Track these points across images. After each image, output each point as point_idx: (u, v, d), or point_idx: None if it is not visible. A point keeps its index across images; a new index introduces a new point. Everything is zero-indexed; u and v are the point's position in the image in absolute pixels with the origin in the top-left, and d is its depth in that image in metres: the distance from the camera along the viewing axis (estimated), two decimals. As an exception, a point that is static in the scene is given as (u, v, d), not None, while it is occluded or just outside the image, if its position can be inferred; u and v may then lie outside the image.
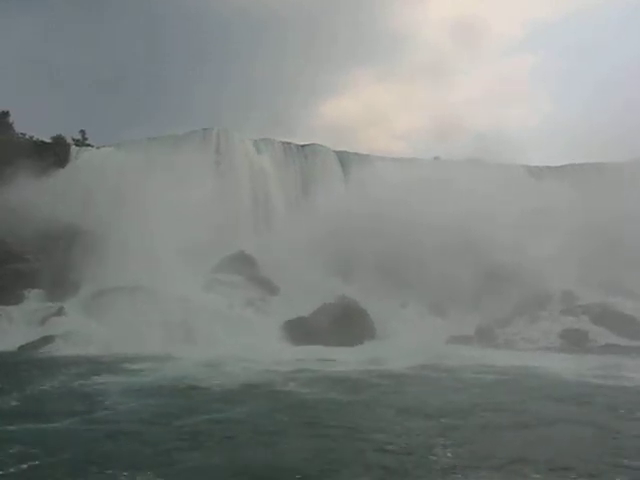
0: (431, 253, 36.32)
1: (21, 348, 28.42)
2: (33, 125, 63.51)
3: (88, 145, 47.45)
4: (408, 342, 30.11)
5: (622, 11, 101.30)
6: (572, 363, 23.90)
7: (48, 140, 44.70)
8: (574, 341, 31.47)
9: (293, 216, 43.42)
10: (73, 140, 47.24)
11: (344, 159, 46.91)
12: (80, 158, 43.52)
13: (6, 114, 47.11)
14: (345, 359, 24.84)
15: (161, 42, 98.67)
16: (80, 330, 29.86)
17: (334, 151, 47.11)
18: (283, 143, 46.23)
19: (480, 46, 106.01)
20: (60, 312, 32.29)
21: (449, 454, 11.74)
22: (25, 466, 11.05)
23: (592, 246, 39.65)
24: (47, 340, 29.01)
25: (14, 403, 16.28)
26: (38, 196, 36.79)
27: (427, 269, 35.77)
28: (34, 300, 34.37)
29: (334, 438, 13.08)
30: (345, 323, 31.66)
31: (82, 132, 49.46)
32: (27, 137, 45.58)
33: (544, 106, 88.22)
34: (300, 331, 31.02)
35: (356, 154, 47.86)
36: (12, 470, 10.87)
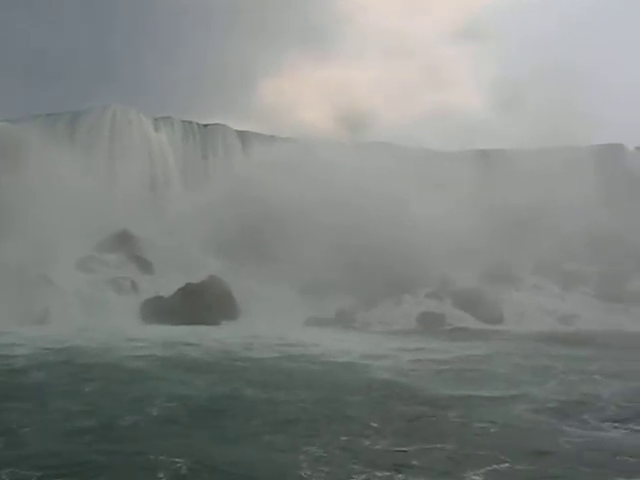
0: (306, 234, 36.71)
1: None
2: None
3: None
4: (265, 323, 30.35)
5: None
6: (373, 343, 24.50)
7: None
8: (429, 324, 31.97)
9: (188, 196, 43.52)
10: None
11: (246, 139, 46.87)
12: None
13: None
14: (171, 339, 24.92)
15: (108, 24, 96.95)
16: None
17: (236, 131, 47.05)
18: (184, 122, 46.12)
19: (423, 31, 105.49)
20: None
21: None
22: None
23: (484, 232, 40.38)
24: None
25: None
26: None
27: (300, 250, 36.13)
28: None
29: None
30: (206, 303, 31.86)
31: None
32: None
33: (479, 93, 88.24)
34: (158, 310, 31.19)
35: (259, 134, 47.83)
36: None
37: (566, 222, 42.29)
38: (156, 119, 45.49)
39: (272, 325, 29.51)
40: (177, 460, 9.55)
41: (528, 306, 35.13)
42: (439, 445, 10.89)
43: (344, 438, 11.16)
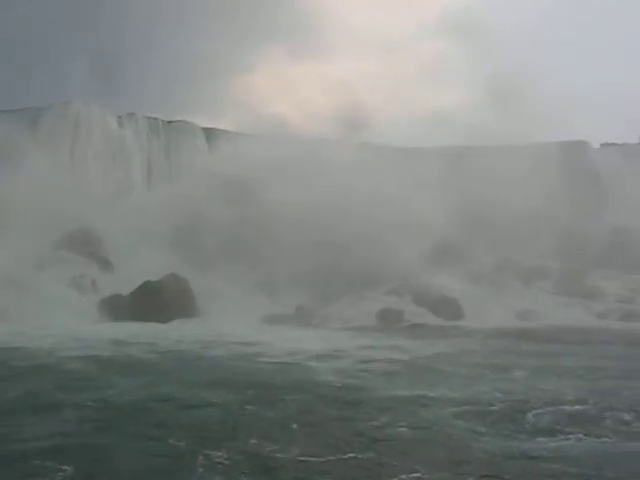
0: (270, 231, 36.77)
1: None
2: None
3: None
4: (224, 321, 30.28)
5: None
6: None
7: None
8: (387, 321, 32.10)
9: (152, 193, 43.37)
10: None
11: (212, 136, 46.74)
12: None
13: None
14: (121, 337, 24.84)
15: (75, 21, 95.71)
16: None
17: (202, 128, 46.89)
18: (148, 118, 45.90)
19: (399, 25, 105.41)
20: None
21: None
22: None
23: (449, 228, 40.67)
24: None
25: None
26: None
27: (263, 247, 36.20)
28: None
29: None
30: (164, 300, 31.72)
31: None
32: None
33: (451, 90, 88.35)
34: (116, 309, 31.10)
35: (225, 131, 47.72)
36: None
37: (529, 218, 42.72)
38: (120, 116, 45.19)
39: (230, 323, 29.42)
40: (64, 467, 9.36)
41: (488, 302, 35.27)
42: (353, 454, 10.55)
43: (254, 442, 10.94)
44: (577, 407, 14.02)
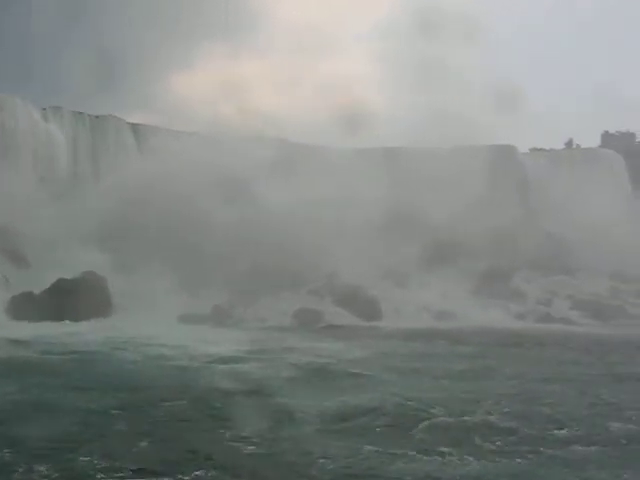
0: (194, 230, 36.39)
1: None
2: None
3: None
4: (138, 320, 29.83)
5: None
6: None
7: None
8: (305, 320, 32.12)
9: (75, 189, 42.40)
10: None
11: (140, 132, 45.97)
12: None
13: None
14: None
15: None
16: None
17: (130, 123, 46.10)
18: (74, 113, 44.78)
19: (340, 27, 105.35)
20: None
21: None
22: None
23: (377, 229, 40.83)
24: None
25: None
26: None
27: (184, 247, 35.79)
28: None
29: None
30: (78, 299, 31.04)
31: None
32: None
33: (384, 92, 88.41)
34: (27, 307, 30.32)
35: (154, 127, 47.02)
36: None
37: (457, 219, 43.25)
38: (44, 109, 44.04)
39: (144, 322, 29.02)
40: None
41: (408, 303, 35.72)
42: (186, 476, 10.21)
43: (86, 458, 10.56)
44: (468, 419, 13.90)
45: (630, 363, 23.08)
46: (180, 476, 10.08)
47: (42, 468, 9.94)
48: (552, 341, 29.76)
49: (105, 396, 14.52)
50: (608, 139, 59.47)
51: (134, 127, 45.93)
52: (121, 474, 10.02)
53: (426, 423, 13.44)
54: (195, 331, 28.20)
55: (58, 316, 29.43)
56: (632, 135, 60.17)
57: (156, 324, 28.77)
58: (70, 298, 30.91)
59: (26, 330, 26.17)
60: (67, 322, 29.06)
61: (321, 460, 10.98)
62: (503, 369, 20.84)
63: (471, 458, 11.36)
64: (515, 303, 39.55)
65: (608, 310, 40.67)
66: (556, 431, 13.15)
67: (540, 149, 55.90)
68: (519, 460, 11.38)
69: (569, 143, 59.95)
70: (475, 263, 42.71)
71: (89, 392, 14.92)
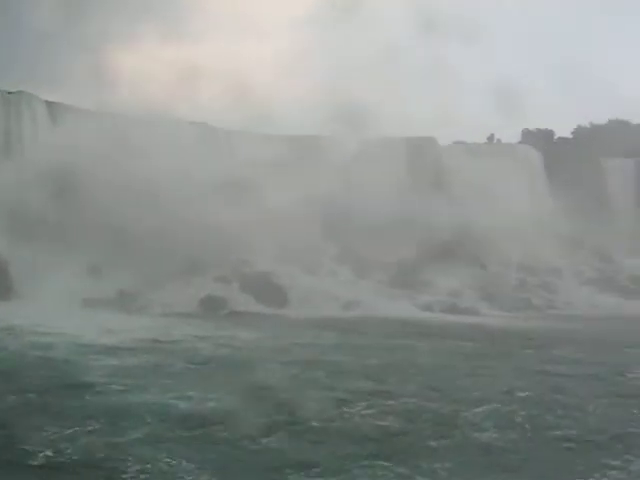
0: (103, 213, 35.90)
1: None
2: None
3: None
4: (38, 305, 29.38)
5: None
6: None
7: None
8: (209, 307, 32.23)
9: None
10: None
11: (56, 110, 44.83)
12: None
13: None
14: None
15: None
16: None
17: (45, 101, 44.91)
18: (-14, 88, 43.41)
19: (278, 13, 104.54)
20: None
21: None
22: None
23: (292, 217, 40.95)
24: None
25: None
26: None
27: (92, 230, 35.30)
28: None
29: None
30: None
31: None
32: None
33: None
34: None
35: (72, 107, 45.89)
36: None
37: (374, 210, 43.75)
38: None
39: (44, 307, 28.71)
40: None
41: (316, 292, 36.06)
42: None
43: None
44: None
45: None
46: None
47: None
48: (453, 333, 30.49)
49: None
50: (528, 135, 60.94)
51: (50, 105, 44.73)
52: None
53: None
54: (96, 317, 27.95)
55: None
56: (551, 132, 61.77)
57: (58, 309, 28.46)
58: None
59: None
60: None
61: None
62: (402, 363, 21.16)
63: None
64: (423, 294, 40.35)
65: (515, 302, 42.05)
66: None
67: (461, 142, 56.91)
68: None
69: (490, 138, 61.22)
70: (387, 253, 43.42)
71: None
